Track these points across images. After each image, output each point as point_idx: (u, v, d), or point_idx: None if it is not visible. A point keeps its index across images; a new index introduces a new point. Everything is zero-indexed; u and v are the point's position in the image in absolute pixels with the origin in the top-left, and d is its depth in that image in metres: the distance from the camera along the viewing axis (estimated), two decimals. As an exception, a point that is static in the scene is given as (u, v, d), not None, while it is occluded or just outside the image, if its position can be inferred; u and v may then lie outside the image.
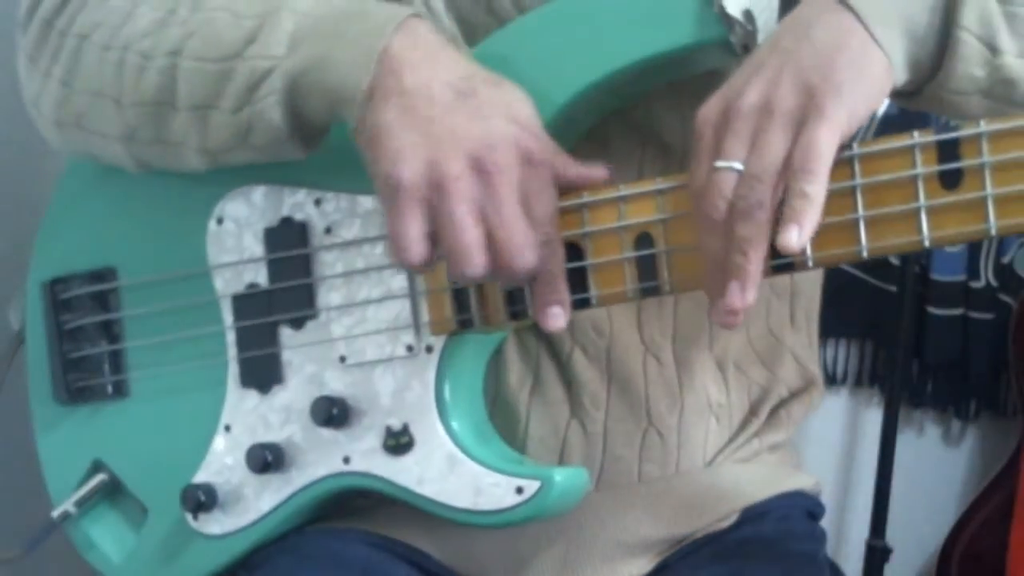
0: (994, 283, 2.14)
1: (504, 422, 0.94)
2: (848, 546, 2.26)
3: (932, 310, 2.14)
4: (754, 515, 1.01)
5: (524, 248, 0.81)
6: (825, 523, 1.09)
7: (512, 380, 0.94)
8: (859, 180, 0.74)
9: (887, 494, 2.04)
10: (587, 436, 0.95)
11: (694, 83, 0.90)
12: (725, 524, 1.00)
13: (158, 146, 0.94)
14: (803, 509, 1.06)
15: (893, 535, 2.05)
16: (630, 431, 0.96)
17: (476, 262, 0.80)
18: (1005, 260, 2.13)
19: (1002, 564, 2.03)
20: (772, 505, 1.02)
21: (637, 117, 0.93)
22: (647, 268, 0.81)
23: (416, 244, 0.81)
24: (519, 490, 0.85)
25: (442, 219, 0.80)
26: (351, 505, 1.00)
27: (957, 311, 2.14)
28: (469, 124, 0.81)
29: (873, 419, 2.19)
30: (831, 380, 2.24)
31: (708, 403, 0.99)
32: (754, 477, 1.02)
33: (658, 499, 0.98)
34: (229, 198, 0.98)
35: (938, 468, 2.29)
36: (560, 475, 0.86)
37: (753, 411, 1.03)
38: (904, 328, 2.02)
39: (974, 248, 2.12)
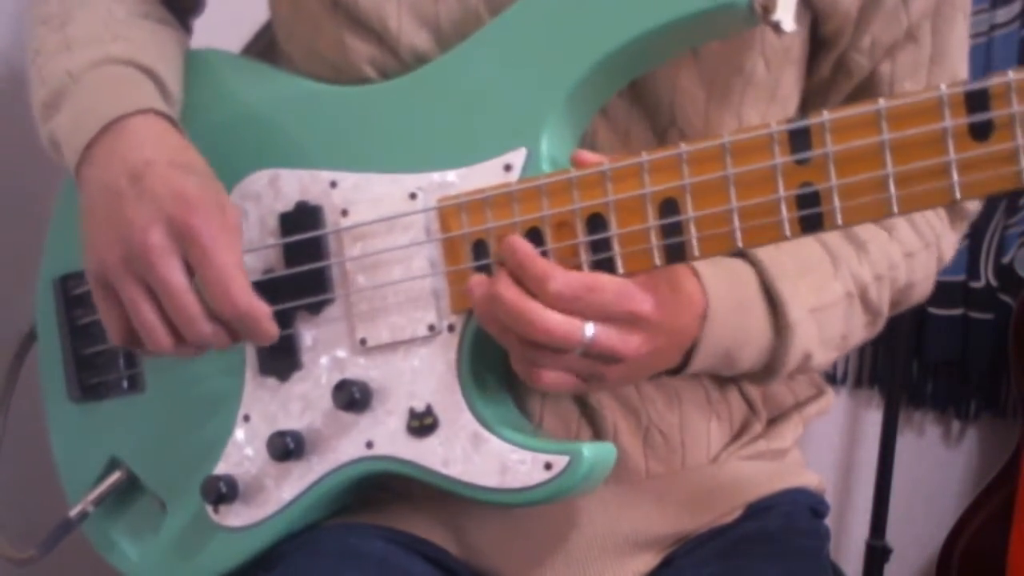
0: (994, 283, 2.15)
1: None
2: (848, 546, 2.26)
3: (932, 310, 2.15)
4: (758, 510, 1.01)
5: (196, 319, 0.86)
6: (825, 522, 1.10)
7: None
8: (887, 135, 0.72)
9: (887, 494, 2.05)
10: (595, 433, 0.95)
11: (712, 69, 0.91)
12: (729, 519, 1.00)
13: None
14: (807, 506, 1.06)
15: (893, 535, 2.07)
16: (634, 429, 0.96)
17: (159, 337, 0.87)
18: (1005, 260, 2.14)
19: (1002, 564, 2.04)
20: (776, 501, 1.02)
21: (659, 107, 0.92)
22: (673, 235, 0.79)
23: (116, 327, 0.89)
24: (547, 466, 0.83)
25: (124, 304, 0.88)
26: (367, 500, 0.99)
27: (957, 311, 2.15)
28: (129, 211, 0.86)
29: (873, 419, 2.20)
30: (831, 380, 2.24)
31: (708, 401, 0.99)
32: (759, 474, 1.03)
33: (665, 495, 0.98)
34: (243, 184, 0.97)
35: (938, 468, 2.30)
36: (588, 450, 0.83)
37: (753, 410, 1.03)
38: (904, 328, 2.03)
39: (974, 248, 2.14)
